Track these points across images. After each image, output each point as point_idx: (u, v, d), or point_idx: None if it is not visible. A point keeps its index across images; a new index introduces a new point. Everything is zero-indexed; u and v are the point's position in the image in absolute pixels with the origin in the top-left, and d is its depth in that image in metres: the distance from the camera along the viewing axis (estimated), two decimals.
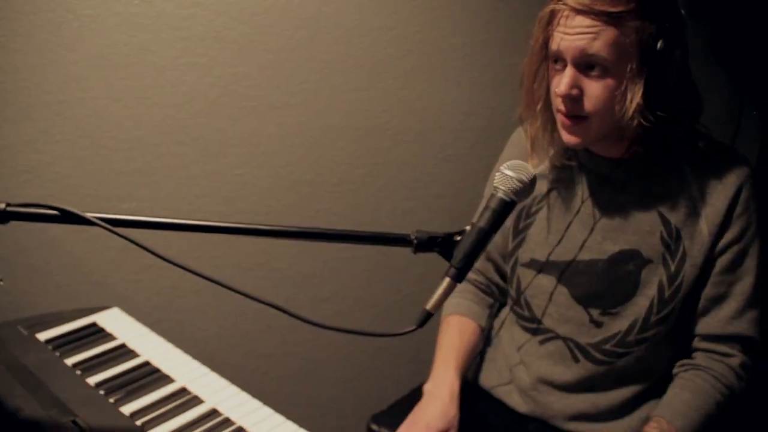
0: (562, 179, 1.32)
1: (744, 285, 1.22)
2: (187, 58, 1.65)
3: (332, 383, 2.05)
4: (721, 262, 1.22)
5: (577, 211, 1.30)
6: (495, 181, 0.99)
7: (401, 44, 1.80)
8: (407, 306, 2.02)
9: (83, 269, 1.72)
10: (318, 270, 1.91)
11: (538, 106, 1.24)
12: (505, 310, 1.47)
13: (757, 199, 1.23)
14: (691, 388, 1.23)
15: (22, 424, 0.99)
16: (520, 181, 0.98)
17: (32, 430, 0.98)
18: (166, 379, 1.16)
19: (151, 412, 1.07)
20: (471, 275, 1.49)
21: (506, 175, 0.99)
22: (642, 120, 1.12)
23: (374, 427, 1.50)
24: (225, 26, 1.65)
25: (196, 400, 1.11)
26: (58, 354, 1.19)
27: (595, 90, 1.13)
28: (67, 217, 0.89)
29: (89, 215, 0.88)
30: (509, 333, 1.42)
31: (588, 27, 1.08)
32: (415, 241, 0.96)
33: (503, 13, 1.88)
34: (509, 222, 1.37)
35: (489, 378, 1.45)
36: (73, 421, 1.00)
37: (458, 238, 0.97)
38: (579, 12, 1.09)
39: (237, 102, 1.71)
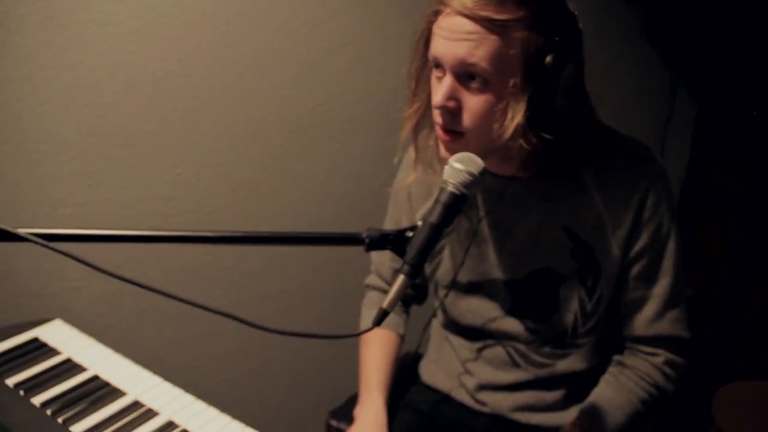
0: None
1: (662, 286, 1.22)
2: (116, 56, 1.58)
3: (287, 381, 2.03)
4: (636, 268, 1.21)
5: (476, 232, 1.26)
6: (444, 175, 0.98)
7: (336, 37, 1.78)
8: (356, 299, 2.02)
9: (20, 280, 1.64)
10: (264, 267, 1.88)
11: (420, 112, 1.16)
12: (438, 319, 1.45)
13: (670, 195, 1.20)
14: (615, 386, 1.24)
15: None
16: (470, 173, 0.96)
17: None
18: (117, 393, 1.13)
19: (104, 429, 1.03)
20: (382, 285, 1.49)
21: (455, 168, 0.96)
22: (523, 141, 1.05)
23: (333, 422, 1.50)
24: (154, 21, 1.59)
25: (150, 413, 1.08)
26: None
27: (473, 104, 1.05)
28: None
29: (22, 231, 0.84)
30: (448, 343, 1.41)
31: (469, 33, 1.00)
32: (367, 240, 0.94)
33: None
34: None
35: (436, 379, 1.45)
36: None
37: (410, 234, 0.96)
38: (461, 15, 1.00)
39: (170, 101, 1.66)
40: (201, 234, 0.92)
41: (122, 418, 1.06)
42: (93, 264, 0.84)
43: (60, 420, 1.04)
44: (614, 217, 1.18)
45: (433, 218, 0.96)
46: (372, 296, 1.51)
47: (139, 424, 1.05)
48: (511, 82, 1.02)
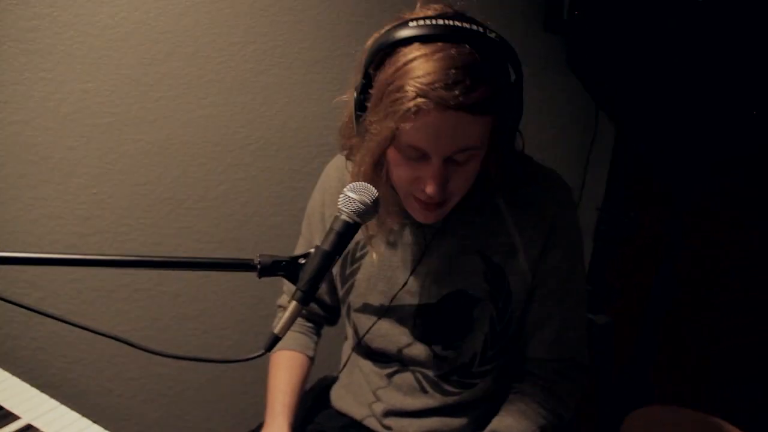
0: (384, 225, 1.26)
1: (565, 309, 1.26)
2: (32, 72, 1.56)
3: (202, 404, 2.01)
4: (542, 290, 1.25)
5: (400, 257, 1.29)
6: (339, 203, 1.00)
7: (261, 59, 1.80)
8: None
9: None
10: (183, 290, 1.86)
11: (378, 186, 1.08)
12: (349, 343, 1.46)
13: (576, 223, 1.26)
14: (514, 413, 1.25)
15: None
16: (363, 203, 0.98)
17: None
18: (11, 417, 1.11)
19: None
20: None
21: (349, 197, 0.98)
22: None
23: None
24: (74, 39, 1.58)
25: None
26: None
27: (462, 175, 1.09)
28: None
29: None
30: (358, 367, 1.42)
31: (459, 123, 1.01)
32: (258, 266, 0.95)
33: (364, 27, 1.91)
34: (336, 269, 1.35)
35: (346, 404, 1.45)
36: None
37: (303, 261, 0.98)
38: (449, 108, 0.98)
39: (89, 119, 1.64)
40: (99, 257, 0.92)
41: None
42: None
43: None
44: (525, 240, 1.22)
45: (326, 246, 0.98)
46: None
47: None
48: (487, 143, 1.08)
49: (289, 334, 1.43)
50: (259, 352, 0.97)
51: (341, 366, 1.50)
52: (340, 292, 1.38)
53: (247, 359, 0.96)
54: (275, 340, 0.96)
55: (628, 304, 2.45)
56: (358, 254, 1.33)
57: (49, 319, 1.69)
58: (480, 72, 1.00)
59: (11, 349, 1.67)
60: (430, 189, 1.06)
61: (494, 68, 1.03)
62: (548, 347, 1.28)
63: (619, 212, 2.31)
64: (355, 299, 1.34)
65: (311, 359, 1.47)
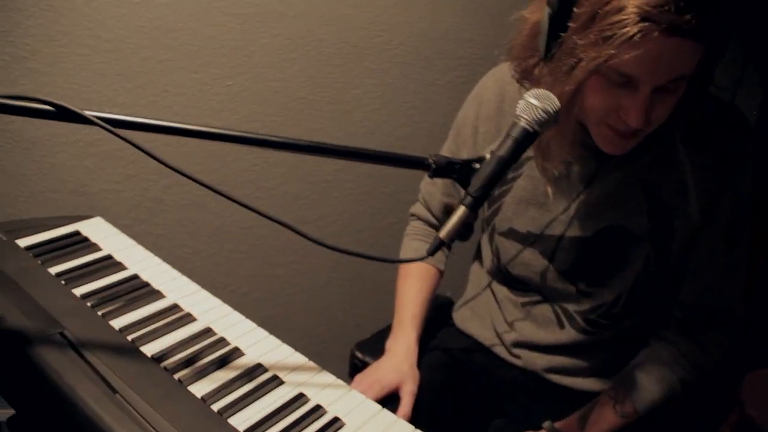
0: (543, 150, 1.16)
1: (728, 256, 1.17)
2: None
3: (314, 309, 2.03)
4: (708, 234, 1.16)
5: (560, 185, 1.20)
6: (518, 109, 0.93)
7: None
8: (394, 233, 1.99)
9: (60, 176, 1.64)
10: (305, 192, 1.86)
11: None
12: (482, 264, 1.41)
13: (751, 168, 1.16)
14: (655, 360, 1.19)
15: (6, 334, 0.94)
16: (545, 111, 0.91)
17: (17, 340, 0.93)
18: (156, 294, 1.11)
19: (142, 327, 1.02)
20: (428, 216, 1.44)
21: (531, 104, 0.91)
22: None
23: (358, 354, 1.48)
24: None
25: (188, 318, 1.07)
26: (40, 262, 1.13)
27: (665, 105, 0.99)
28: (63, 114, 0.81)
29: (89, 114, 0.81)
30: (490, 290, 1.37)
31: (681, 50, 0.91)
32: (433, 165, 0.91)
33: None
34: None
35: (471, 325, 1.41)
36: (61, 333, 0.95)
37: (477, 165, 0.92)
38: (676, 34, 0.88)
39: (231, 8, 1.61)
40: (267, 137, 0.90)
41: (161, 319, 1.05)
42: (156, 155, 0.81)
43: (99, 313, 1.03)
44: (698, 179, 1.12)
45: (502, 152, 0.91)
46: (416, 226, 1.46)
47: (177, 327, 1.04)
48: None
49: (422, 245, 1.41)
50: (422, 255, 0.94)
51: (468, 285, 1.46)
52: (486, 212, 1.31)
53: (410, 260, 0.93)
54: (440, 244, 0.92)
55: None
56: (510, 174, 1.24)
57: (173, 209, 1.73)
58: None
59: (139, 233, 1.70)
60: (634, 119, 0.97)
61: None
62: (703, 293, 1.20)
63: None
64: (501, 222, 1.28)
65: (441, 273, 1.43)
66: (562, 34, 0.97)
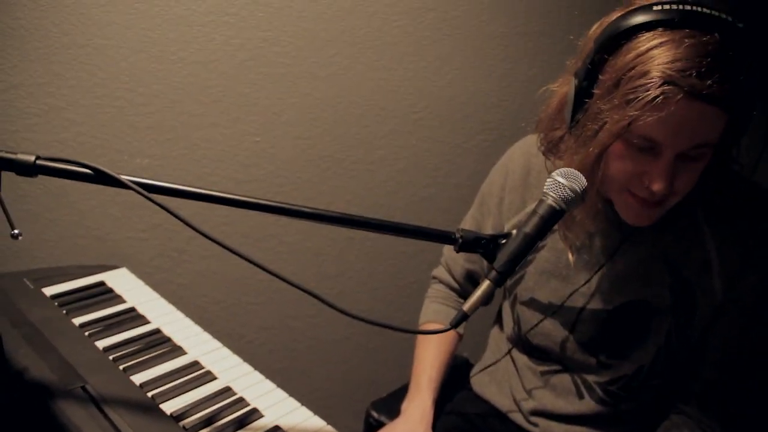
0: (566, 220, 1.16)
1: (750, 333, 1.16)
2: (217, 15, 1.58)
3: (330, 364, 2.02)
4: (732, 310, 1.14)
5: (583, 257, 1.20)
6: (545, 187, 0.94)
7: (437, 27, 1.75)
8: (412, 293, 2.00)
9: (87, 223, 1.66)
10: (326, 248, 1.87)
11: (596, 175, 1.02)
12: (502, 330, 1.41)
13: None
14: None
15: (30, 385, 0.95)
16: (572, 190, 0.92)
17: (40, 392, 0.94)
18: (178, 351, 1.13)
19: (162, 384, 1.03)
20: (450, 280, 1.45)
21: (558, 182, 0.92)
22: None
23: (373, 413, 1.47)
24: None
25: (209, 376, 1.08)
26: (64, 312, 1.15)
27: (689, 173, 0.99)
28: (100, 178, 0.84)
29: (125, 178, 0.84)
30: (510, 358, 1.37)
31: (704, 116, 0.91)
32: (460, 240, 0.92)
33: (543, 7, 1.83)
34: None
35: (488, 391, 1.41)
36: (83, 388, 0.96)
37: (503, 241, 0.93)
38: (698, 98, 0.89)
39: (263, 67, 1.65)
40: (300, 208, 0.90)
41: (181, 376, 1.06)
42: (191, 224, 0.83)
43: (121, 368, 1.04)
44: (722, 256, 1.12)
45: (529, 229, 0.92)
46: (437, 289, 1.47)
47: (197, 385, 1.05)
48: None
49: (442, 308, 1.42)
50: (445, 327, 0.94)
51: (486, 350, 1.46)
52: (509, 281, 1.31)
53: (431, 332, 0.93)
54: (463, 317, 0.92)
55: None
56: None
57: (196, 259, 1.75)
58: (731, 63, 0.91)
59: (160, 281, 1.72)
60: (657, 185, 0.97)
61: (743, 61, 0.94)
62: (724, 369, 1.19)
63: None
64: (523, 291, 1.28)
65: (460, 337, 1.43)
66: (587, 100, 1.00)
